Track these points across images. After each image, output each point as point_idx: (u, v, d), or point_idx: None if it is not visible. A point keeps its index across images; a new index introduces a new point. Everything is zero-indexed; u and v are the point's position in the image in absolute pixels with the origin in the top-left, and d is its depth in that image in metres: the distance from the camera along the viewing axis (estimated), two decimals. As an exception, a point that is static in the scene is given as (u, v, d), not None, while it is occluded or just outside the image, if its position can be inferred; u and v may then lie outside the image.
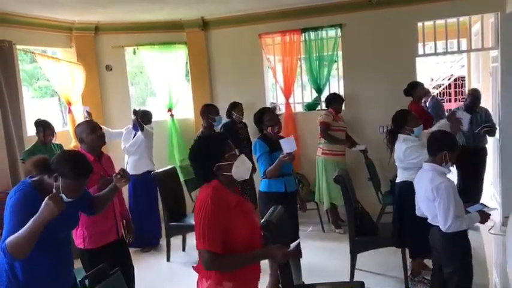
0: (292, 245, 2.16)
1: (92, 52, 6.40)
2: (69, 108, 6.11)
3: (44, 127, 4.73)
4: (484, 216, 3.02)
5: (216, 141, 2.24)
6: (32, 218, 2.07)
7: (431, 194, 2.97)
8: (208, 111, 5.33)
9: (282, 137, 4.06)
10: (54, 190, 2.24)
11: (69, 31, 6.18)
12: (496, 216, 5.02)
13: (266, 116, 3.96)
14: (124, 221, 3.53)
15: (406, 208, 3.79)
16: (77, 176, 2.28)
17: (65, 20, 6.01)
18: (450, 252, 3.04)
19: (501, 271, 4.27)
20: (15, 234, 2.09)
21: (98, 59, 6.48)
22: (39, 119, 4.85)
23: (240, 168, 2.18)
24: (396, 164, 4.05)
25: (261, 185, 3.98)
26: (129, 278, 3.49)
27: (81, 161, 2.35)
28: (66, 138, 5.64)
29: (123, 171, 2.74)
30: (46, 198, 2.07)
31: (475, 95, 5.64)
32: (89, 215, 2.83)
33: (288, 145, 3.71)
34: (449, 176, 3.11)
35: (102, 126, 5.24)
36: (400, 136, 3.90)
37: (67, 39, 6.22)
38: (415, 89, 5.33)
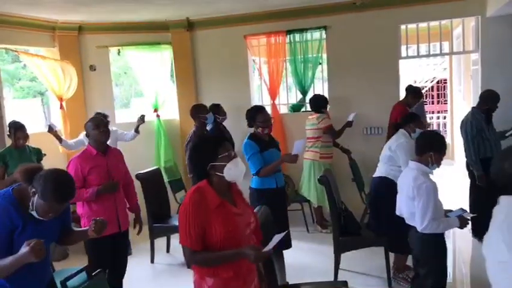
0: (266, 248, 2.15)
1: (76, 52, 6.34)
2: (60, 104, 6.06)
3: (14, 129, 4.48)
4: (463, 222, 3.03)
5: (212, 141, 2.29)
6: (12, 256, 2.08)
7: (412, 192, 2.99)
8: (198, 111, 5.32)
9: (271, 136, 4.14)
10: (30, 205, 2.18)
11: (52, 30, 6.11)
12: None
13: (260, 116, 3.98)
14: (134, 214, 3.85)
15: (382, 206, 3.91)
16: (51, 199, 2.15)
17: (48, 19, 5.94)
18: (424, 253, 3.08)
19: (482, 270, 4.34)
20: None
21: (81, 59, 6.42)
22: (12, 121, 4.66)
23: (232, 170, 2.20)
24: (384, 154, 4.18)
25: (252, 182, 4.03)
26: (118, 276, 3.56)
27: (64, 185, 2.20)
28: (49, 139, 5.55)
29: (100, 224, 2.51)
30: (30, 246, 2.00)
31: (496, 96, 4.74)
32: (54, 241, 2.64)
33: (298, 147, 3.94)
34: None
35: (63, 139, 5.31)
36: (401, 130, 4.17)
37: (50, 39, 6.15)
38: (410, 95, 5.41)
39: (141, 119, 5.64)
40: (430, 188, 2.94)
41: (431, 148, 3.03)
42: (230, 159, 2.21)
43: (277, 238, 2.16)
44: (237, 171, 2.23)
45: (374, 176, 4.27)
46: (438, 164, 3.08)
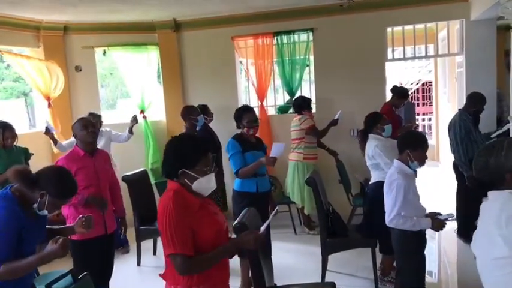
0: (262, 228, 2.16)
1: (61, 52, 6.26)
2: (48, 102, 5.98)
3: (3, 129, 4.44)
4: (438, 224, 3.05)
5: (195, 148, 2.15)
6: (38, 255, 2.24)
7: (386, 187, 3.12)
8: (189, 112, 5.29)
9: (259, 139, 4.14)
10: (35, 205, 2.30)
11: (37, 30, 6.02)
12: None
13: (246, 116, 3.94)
14: (119, 218, 3.84)
15: (376, 208, 3.90)
16: (64, 196, 2.37)
17: (33, 19, 5.85)
18: (402, 250, 3.17)
19: (466, 270, 4.40)
20: (15, 264, 2.20)
21: (66, 60, 6.34)
22: (0, 121, 4.59)
23: (202, 186, 2.13)
24: (367, 164, 4.18)
25: (234, 184, 4.01)
26: (104, 279, 3.60)
27: (68, 180, 2.39)
28: (33, 140, 5.47)
29: (88, 220, 2.59)
30: (59, 244, 2.17)
31: (484, 99, 4.80)
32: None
33: (276, 150, 3.87)
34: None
35: (58, 141, 5.32)
36: (371, 135, 4.14)
37: (34, 39, 6.06)
38: (398, 95, 5.43)
39: (134, 119, 5.69)
40: (401, 185, 3.01)
41: (407, 146, 3.10)
42: (204, 175, 2.12)
43: (271, 216, 2.22)
44: (207, 188, 2.15)
45: (370, 183, 4.24)
46: (420, 162, 3.10)
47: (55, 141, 5.38)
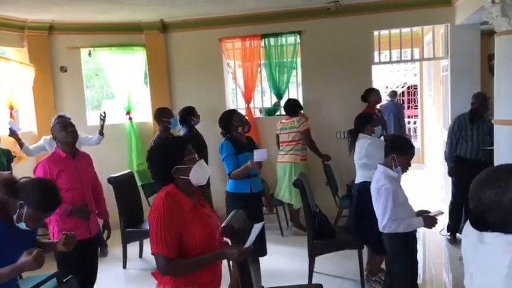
0: (247, 243, 2.13)
1: (46, 52, 6.17)
2: (11, 112, 5.64)
3: None
4: (430, 221, 3.06)
5: (176, 144, 2.25)
6: (12, 265, 2.15)
7: (375, 193, 3.14)
8: (161, 114, 5.28)
9: (250, 138, 4.22)
10: (15, 217, 2.23)
11: (21, 30, 5.93)
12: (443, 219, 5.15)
13: (235, 116, 4.09)
14: (102, 220, 3.76)
15: (366, 208, 3.92)
16: (45, 209, 2.29)
17: (16, 18, 5.76)
18: (395, 253, 3.17)
19: (451, 271, 4.46)
20: None
21: (52, 60, 6.25)
22: None
23: (198, 173, 2.17)
24: (357, 162, 4.19)
25: (227, 185, 4.07)
26: (89, 282, 3.56)
27: (52, 193, 2.32)
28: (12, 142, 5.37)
29: (71, 238, 2.52)
30: (32, 255, 2.09)
31: (482, 98, 4.87)
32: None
33: (259, 155, 3.90)
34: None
35: (24, 144, 5.08)
36: (361, 135, 4.17)
37: (18, 39, 5.96)
38: (370, 94, 5.57)
39: (102, 118, 5.38)
40: (389, 190, 3.03)
41: (394, 149, 3.12)
42: (195, 162, 2.19)
43: (256, 229, 2.14)
44: (203, 174, 2.20)
45: (356, 182, 4.26)
46: (404, 168, 3.11)
47: (21, 144, 5.12)
